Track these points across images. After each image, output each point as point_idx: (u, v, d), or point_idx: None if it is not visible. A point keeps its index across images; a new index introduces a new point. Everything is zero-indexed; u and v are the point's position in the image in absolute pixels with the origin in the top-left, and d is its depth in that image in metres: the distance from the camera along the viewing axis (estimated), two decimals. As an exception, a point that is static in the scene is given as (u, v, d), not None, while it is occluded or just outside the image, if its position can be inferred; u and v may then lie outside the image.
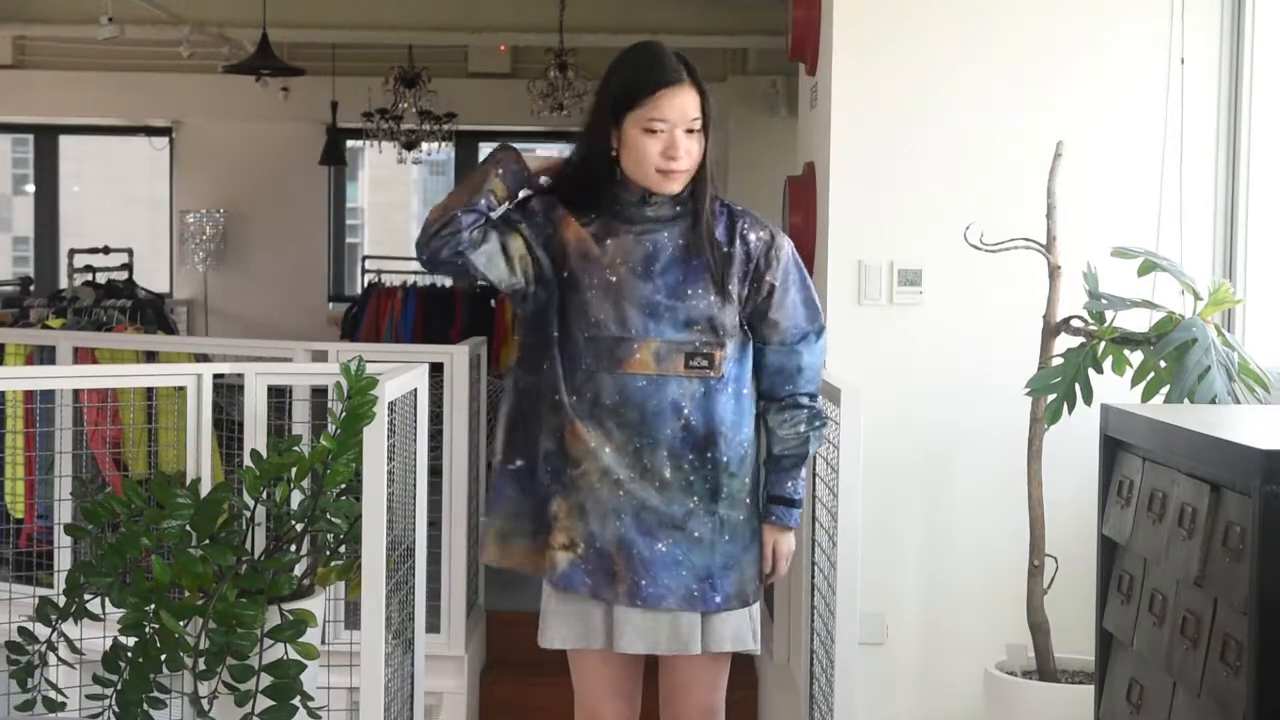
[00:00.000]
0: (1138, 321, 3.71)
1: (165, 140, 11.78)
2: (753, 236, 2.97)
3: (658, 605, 2.89)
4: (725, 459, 2.92)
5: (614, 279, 2.91)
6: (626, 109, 2.91)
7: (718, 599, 2.92)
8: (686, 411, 2.90)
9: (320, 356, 4.82)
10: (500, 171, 2.95)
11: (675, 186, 2.93)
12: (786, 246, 3.02)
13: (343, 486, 3.53)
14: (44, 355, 5.61)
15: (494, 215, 2.96)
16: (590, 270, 2.93)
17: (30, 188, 12.25)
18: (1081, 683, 3.67)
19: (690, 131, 2.90)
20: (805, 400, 3.02)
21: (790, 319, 2.99)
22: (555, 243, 2.96)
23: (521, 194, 3.01)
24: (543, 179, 3.03)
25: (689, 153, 2.90)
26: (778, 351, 3.00)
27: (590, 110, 3.02)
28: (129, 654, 3.48)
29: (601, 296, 2.91)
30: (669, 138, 2.89)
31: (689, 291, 2.92)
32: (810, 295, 3.03)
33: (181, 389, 3.96)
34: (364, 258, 11.88)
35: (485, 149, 12.28)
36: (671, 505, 2.90)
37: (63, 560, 4.67)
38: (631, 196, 2.95)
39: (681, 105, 2.89)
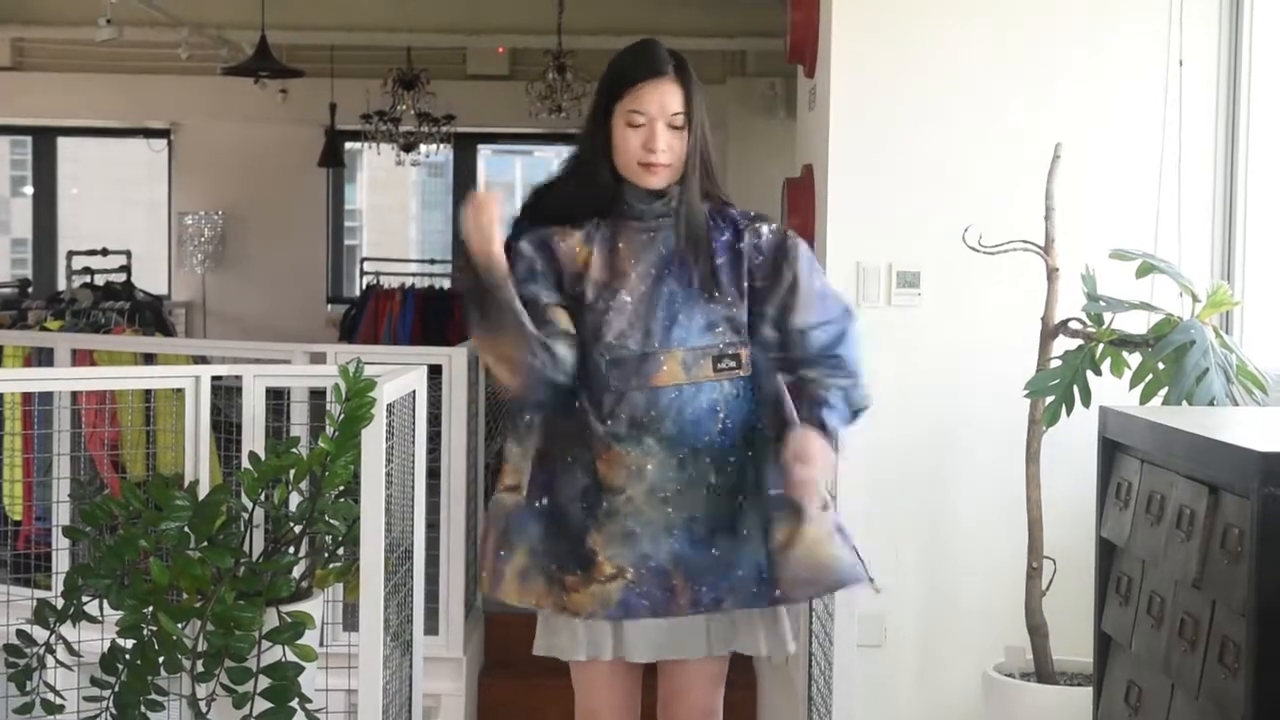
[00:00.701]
0: (1136, 323, 3.71)
1: (164, 142, 11.78)
2: (764, 229, 2.94)
3: (717, 609, 2.86)
4: (761, 454, 2.89)
5: (628, 298, 2.86)
6: (614, 101, 2.90)
7: (777, 592, 2.88)
8: (722, 414, 2.86)
9: (319, 358, 4.81)
10: (508, 292, 2.77)
11: (656, 181, 2.88)
12: (801, 242, 2.98)
13: (341, 489, 3.52)
14: (42, 357, 5.60)
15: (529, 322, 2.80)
16: (600, 293, 2.88)
17: (29, 189, 12.24)
18: (1080, 685, 3.67)
19: (674, 127, 2.87)
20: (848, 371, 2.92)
21: (820, 310, 2.91)
22: (565, 278, 2.90)
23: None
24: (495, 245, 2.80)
25: (670, 147, 2.86)
26: (822, 333, 2.90)
27: (589, 107, 3.00)
28: (127, 656, 3.48)
29: (618, 315, 2.86)
30: (649, 130, 2.86)
31: (703, 294, 2.89)
32: (829, 287, 2.98)
33: (180, 391, 3.95)
34: (362, 259, 11.88)
35: (484, 151, 12.29)
36: (719, 509, 2.86)
37: (61, 562, 4.67)
38: (639, 191, 2.92)
39: (661, 98, 2.86)
